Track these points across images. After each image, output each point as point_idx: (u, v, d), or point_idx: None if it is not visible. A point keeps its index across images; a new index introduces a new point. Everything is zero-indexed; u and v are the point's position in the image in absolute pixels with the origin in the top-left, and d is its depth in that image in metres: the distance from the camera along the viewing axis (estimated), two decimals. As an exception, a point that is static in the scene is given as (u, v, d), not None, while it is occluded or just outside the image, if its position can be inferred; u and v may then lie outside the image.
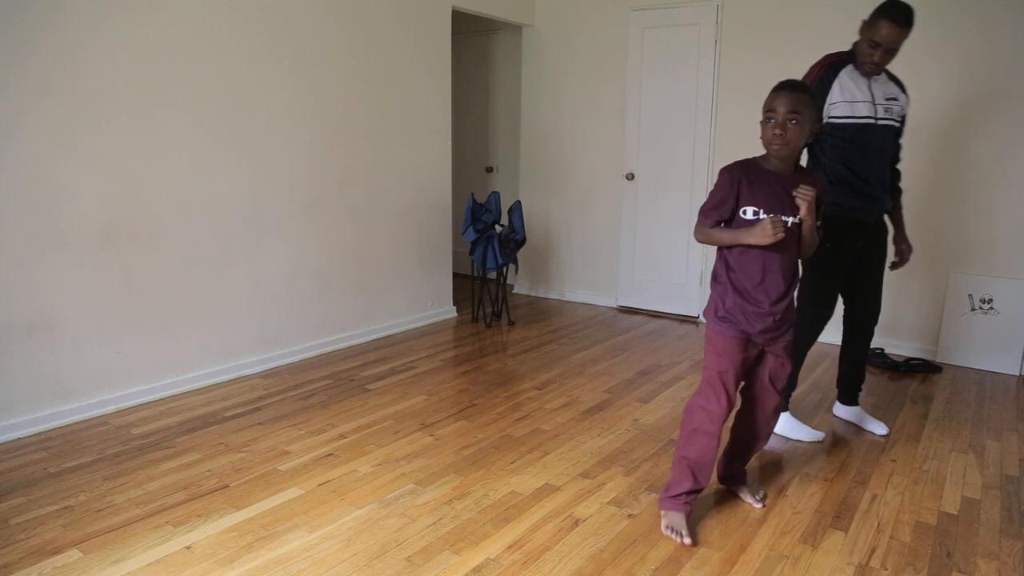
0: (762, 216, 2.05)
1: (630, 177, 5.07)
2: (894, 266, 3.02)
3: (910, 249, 3.01)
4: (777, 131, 2.02)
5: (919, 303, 4.18)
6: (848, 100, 2.74)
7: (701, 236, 2.20)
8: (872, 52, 2.63)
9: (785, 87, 2.06)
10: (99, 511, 2.29)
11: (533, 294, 5.74)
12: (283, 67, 3.64)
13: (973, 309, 3.98)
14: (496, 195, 4.62)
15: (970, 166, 3.93)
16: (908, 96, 2.87)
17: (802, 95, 2.04)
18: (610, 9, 5.01)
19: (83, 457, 2.68)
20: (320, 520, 2.26)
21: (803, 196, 2.04)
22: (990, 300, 3.93)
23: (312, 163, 3.86)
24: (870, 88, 2.75)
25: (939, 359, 4.08)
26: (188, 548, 2.10)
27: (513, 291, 5.79)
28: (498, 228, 4.61)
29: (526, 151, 5.61)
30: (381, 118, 4.23)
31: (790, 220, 2.07)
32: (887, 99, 2.77)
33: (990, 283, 3.93)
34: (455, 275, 5.26)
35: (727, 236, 2.12)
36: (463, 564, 2.04)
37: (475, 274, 4.88)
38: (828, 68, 2.77)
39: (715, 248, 2.20)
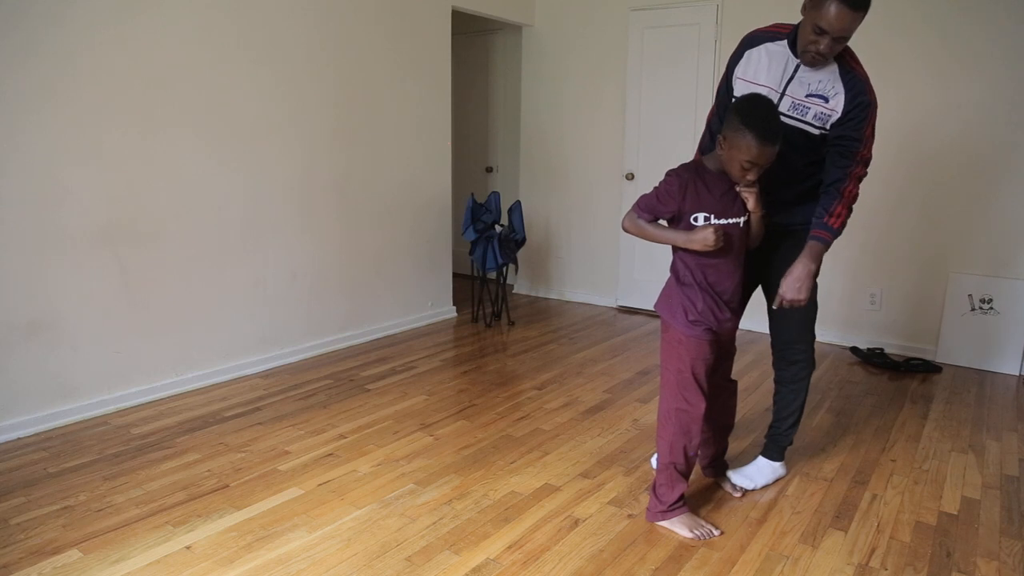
0: (713, 222, 2.08)
1: (630, 177, 5.07)
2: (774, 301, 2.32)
3: (797, 288, 2.21)
4: (750, 176, 2.04)
5: (919, 303, 4.18)
6: (748, 79, 2.23)
7: (630, 225, 2.19)
8: (816, 40, 2.05)
9: (770, 141, 1.96)
10: (99, 511, 2.29)
11: (533, 294, 5.74)
12: (283, 68, 3.64)
13: (973, 309, 3.98)
14: (496, 195, 4.62)
15: (970, 166, 3.93)
16: (855, 102, 2.15)
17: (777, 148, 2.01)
18: (610, 9, 5.01)
19: (83, 457, 2.68)
20: (320, 520, 2.26)
21: (750, 190, 2.09)
22: (990, 300, 3.93)
23: (312, 163, 3.86)
24: (790, 75, 2.19)
25: (939, 359, 4.08)
26: (188, 548, 2.10)
27: (513, 291, 5.79)
28: (498, 228, 4.61)
29: (526, 151, 5.61)
30: (381, 118, 4.23)
31: (741, 220, 2.13)
32: (808, 95, 2.17)
33: (990, 283, 3.92)
34: (455, 275, 5.26)
35: (661, 235, 2.16)
36: (463, 564, 2.04)
37: (475, 274, 4.88)
38: (745, 41, 2.30)
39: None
